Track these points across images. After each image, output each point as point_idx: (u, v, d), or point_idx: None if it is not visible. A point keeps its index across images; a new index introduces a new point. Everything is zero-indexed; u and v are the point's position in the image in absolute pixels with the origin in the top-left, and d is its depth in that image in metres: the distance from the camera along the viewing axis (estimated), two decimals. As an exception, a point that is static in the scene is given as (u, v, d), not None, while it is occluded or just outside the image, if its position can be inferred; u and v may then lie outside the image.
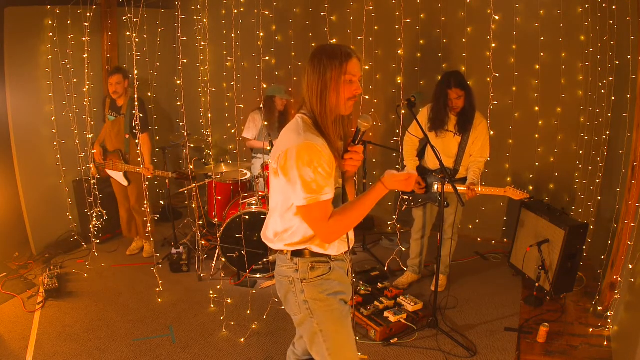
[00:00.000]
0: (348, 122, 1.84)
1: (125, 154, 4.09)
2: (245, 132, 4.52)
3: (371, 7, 4.07)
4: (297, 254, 1.81)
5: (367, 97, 4.64)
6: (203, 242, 4.35)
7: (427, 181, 3.58)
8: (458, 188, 3.32)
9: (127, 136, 4.05)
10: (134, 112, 3.72)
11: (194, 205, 4.08)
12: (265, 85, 4.41)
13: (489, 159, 3.51)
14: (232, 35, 4.15)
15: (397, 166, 3.48)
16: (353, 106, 1.76)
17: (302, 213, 1.71)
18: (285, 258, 1.83)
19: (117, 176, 4.11)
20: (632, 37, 3.28)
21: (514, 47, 4.19)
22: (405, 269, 3.89)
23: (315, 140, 1.65)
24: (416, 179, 1.69)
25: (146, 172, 3.90)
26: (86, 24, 3.89)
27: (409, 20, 4.30)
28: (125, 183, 4.12)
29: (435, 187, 3.53)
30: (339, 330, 1.85)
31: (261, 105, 4.38)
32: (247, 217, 3.78)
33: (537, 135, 4.37)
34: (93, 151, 4.13)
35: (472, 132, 3.42)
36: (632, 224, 3.01)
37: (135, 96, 3.63)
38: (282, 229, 1.80)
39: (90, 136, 4.26)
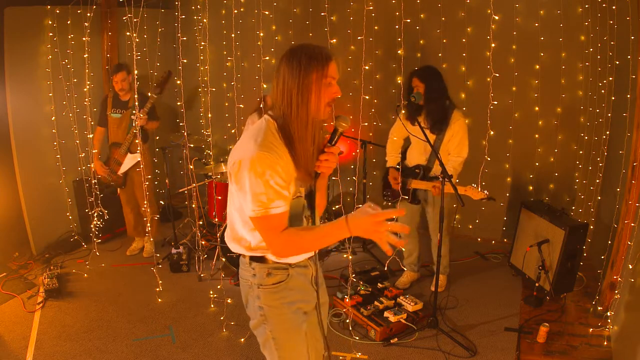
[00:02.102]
0: (321, 127, 1.74)
1: (129, 144, 4.12)
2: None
3: (371, 7, 4.07)
4: (255, 259, 1.74)
5: (367, 97, 4.63)
6: (203, 242, 4.35)
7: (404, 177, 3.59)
8: (419, 183, 3.43)
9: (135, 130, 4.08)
10: (135, 104, 3.75)
11: (194, 205, 4.08)
12: (265, 86, 4.41)
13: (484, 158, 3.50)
14: (232, 35, 4.15)
15: (398, 166, 3.48)
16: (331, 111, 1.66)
17: (253, 223, 1.65)
18: (245, 262, 1.78)
19: (132, 161, 4.07)
20: (632, 37, 3.29)
21: (514, 47, 4.19)
22: (405, 269, 3.89)
23: (272, 150, 1.56)
24: (385, 217, 1.50)
25: (142, 121, 3.94)
26: (86, 24, 3.89)
27: (409, 20, 4.30)
28: (138, 158, 4.03)
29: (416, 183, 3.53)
30: (291, 339, 1.80)
31: (261, 106, 4.38)
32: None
33: (537, 135, 4.37)
34: (96, 151, 4.13)
35: (447, 130, 3.41)
36: (632, 224, 3.01)
37: (136, 96, 3.64)
38: (242, 234, 1.74)
39: (90, 136, 4.26)
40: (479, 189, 3.22)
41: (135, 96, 3.66)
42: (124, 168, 4.12)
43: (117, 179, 4.21)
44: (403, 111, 3.47)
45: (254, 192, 1.56)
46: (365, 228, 1.50)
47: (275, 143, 1.59)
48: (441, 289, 3.75)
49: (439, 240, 3.24)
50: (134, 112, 3.83)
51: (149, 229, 3.94)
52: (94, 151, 4.14)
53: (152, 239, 3.91)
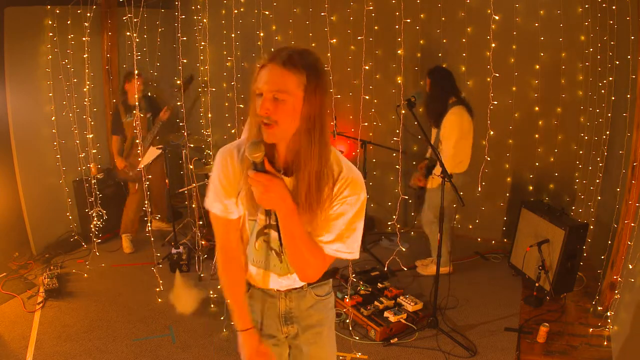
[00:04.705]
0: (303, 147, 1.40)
1: (151, 139, 4.44)
2: (244, 135, 4.52)
3: (371, 7, 4.07)
4: None
5: (367, 97, 4.63)
6: (203, 242, 4.35)
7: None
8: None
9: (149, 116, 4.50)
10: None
11: (194, 205, 4.08)
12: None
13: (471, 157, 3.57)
14: (232, 35, 4.15)
15: (397, 166, 3.48)
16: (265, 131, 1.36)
17: None
18: None
19: (153, 154, 4.21)
20: (632, 37, 3.29)
21: (514, 47, 4.19)
22: (405, 269, 3.89)
23: (231, 153, 1.48)
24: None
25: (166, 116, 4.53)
26: (86, 24, 3.89)
27: (409, 20, 4.30)
28: (157, 152, 4.24)
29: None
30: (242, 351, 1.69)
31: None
32: (247, 217, 3.77)
33: (537, 135, 4.37)
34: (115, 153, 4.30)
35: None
36: (632, 224, 3.01)
37: (136, 96, 3.65)
38: None
39: (90, 136, 4.26)
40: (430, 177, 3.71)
41: (136, 96, 3.68)
42: (145, 161, 4.18)
43: (136, 173, 4.32)
44: (403, 111, 3.49)
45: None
46: (244, 352, 1.59)
47: (261, 147, 1.40)
48: (425, 272, 4.04)
49: (439, 240, 3.25)
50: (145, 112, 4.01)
51: (149, 228, 3.94)
52: (114, 154, 4.34)
53: (152, 238, 3.89)
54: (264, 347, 1.60)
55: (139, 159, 4.17)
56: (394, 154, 4.65)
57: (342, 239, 1.49)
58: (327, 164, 1.42)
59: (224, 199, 1.50)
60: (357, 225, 1.50)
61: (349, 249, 1.51)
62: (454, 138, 3.57)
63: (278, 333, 1.70)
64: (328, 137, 1.42)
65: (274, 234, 1.51)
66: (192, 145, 4.68)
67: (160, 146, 4.27)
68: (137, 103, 4.24)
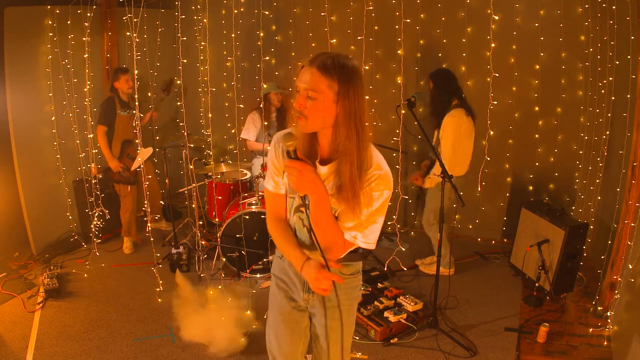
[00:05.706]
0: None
1: (134, 138, 4.36)
2: (244, 133, 4.52)
3: (371, 7, 4.07)
4: None
5: (367, 97, 4.63)
6: (203, 242, 4.35)
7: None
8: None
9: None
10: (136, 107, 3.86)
11: (194, 205, 4.08)
12: (265, 85, 4.41)
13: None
14: (232, 35, 4.15)
15: (397, 166, 3.48)
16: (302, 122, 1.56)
17: None
18: None
19: (146, 154, 4.13)
20: (632, 37, 3.29)
21: (514, 47, 4.19)
22: (405, 269, 3.90)
23: (282, 139, 1.61)
24: (323, 283, 1.62)
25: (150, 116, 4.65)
26: (86, 24, 3.89)
27: (409, 20, 4.30)
28: (150, 152, 4.18)
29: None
30: (269, 306, 1.97)
31: (261, 105, 4.38)
32: (247, 217, 3.78)
33: (537, 135, 4.37)
34: (107, 152, 4.26)
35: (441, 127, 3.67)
36: (632, 224, 3.01)
37: (136, 96, 3.65)
38: None
39: (90, 136, 4.26)
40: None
41: (136, 96, 3.67)
42: (138, 163, 4.15)
43: (129, 175, 4.32)
44: (403, 111, 3.49)
45: None
46: (309, 277, 1.66)
47: (292, 137, 1.58)
48: (427, 270, 4.10)
49: (439, 240, 3.25)
50: (135, 110, 3.96)
51: (149, 228, 3.94)
52: (105, 151, 4.23)
53: (152, 239, 3.90)
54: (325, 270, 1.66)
55: (138, 159, 4.16)
56: (394, 154, 4.65)
57: (361, 228, 1.65)
58: (365, 158, 1.59)
59: (275, 177, 1.75)
60: (377, 218, 1.65)
61: (365, 238, 1.67)
62: (451, 140, 3.58)
63: (299, 299, 1.87)
64: (366, 135, 1.58)
65: (296, 204, 1.73)
66: (192, 145, 4.68)
67: (149, 147, 4.19)
68: (128, 100, 4.29)
